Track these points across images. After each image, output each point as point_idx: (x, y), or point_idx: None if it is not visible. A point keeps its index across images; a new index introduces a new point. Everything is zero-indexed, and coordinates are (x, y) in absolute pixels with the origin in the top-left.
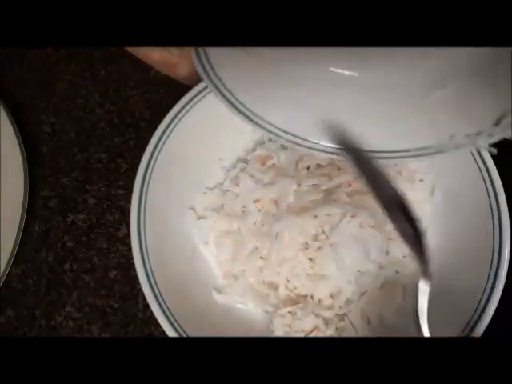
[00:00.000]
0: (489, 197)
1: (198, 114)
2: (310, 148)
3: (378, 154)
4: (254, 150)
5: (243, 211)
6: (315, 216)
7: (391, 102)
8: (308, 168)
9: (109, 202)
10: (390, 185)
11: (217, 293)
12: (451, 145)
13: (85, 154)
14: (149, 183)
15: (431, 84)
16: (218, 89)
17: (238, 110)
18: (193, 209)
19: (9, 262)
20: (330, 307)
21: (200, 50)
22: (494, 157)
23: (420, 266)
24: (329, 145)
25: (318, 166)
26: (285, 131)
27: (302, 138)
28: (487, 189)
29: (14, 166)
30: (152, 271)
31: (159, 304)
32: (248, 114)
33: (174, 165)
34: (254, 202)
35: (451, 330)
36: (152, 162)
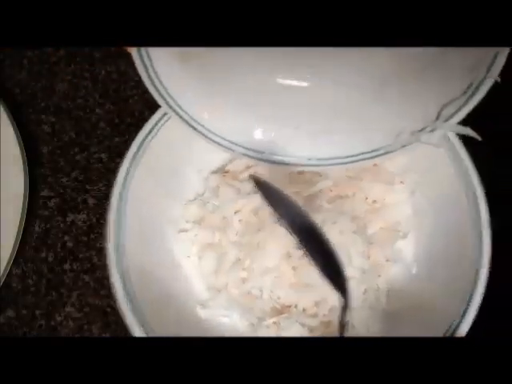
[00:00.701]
0: (467, 198)
1: (175, 125)
2: (261, 160)
3: (329, 161)
4: (233, 159)
5: (224, 222)
6: None
7: (340, 108)
8: (289, 175)
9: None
10: (301, 213)
11: (201, 307)
12: (398, 144)
13: (85, 153)
14: (126, 198)
15: (376, 87)
16: (165, 100)
17: (185, 121)
18: (173, 222)
19: (9, 262)
20: (314, 315)
21: (145, 57)
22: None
23: (339, 300)
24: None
25: (299, 173)
26: (235, 143)
27: (250, 149)
28: (466, 191)
29: (14, 166)
30: (133, 290)
31: (141, 325)
32: (193, 124)
33: (152, 178)
34: (235, 212)
35: (435, 331)
36: (129, 177)
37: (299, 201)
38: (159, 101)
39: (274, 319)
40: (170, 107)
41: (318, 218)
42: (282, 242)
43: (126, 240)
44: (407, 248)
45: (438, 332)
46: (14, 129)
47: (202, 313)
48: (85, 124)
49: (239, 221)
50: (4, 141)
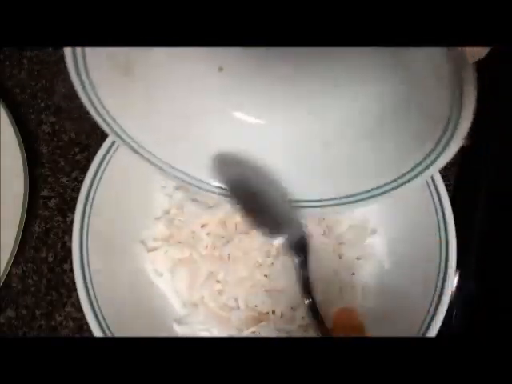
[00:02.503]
0: (433, 200)
1: None
2: (203, 189)
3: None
4: None
5: (193, 237)
6: None
7: (303, 153)
8: None
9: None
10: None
11: (177, 324)
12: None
13: (85, 153)
14: (89, 220)
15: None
16: (105, 121)
17: (126, 143)
18: (142, 241)
19: (9, 262)
20: (292, 320)
21: (84, 77)
22: None
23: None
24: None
25: None
26: (176, 169)
27: (195, 179)
28: (431, 193)
29: (14, 166)
30: (102, 315)
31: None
32: (134, 146)
33: (115, 199)
34: (202, 226)
35: (407, 331)
36: (90, 199)
37: None
38: (103, 127)
39: (253, 329)
40: (117, 135)
41: None
42: (251, 251)
43: (91, 262)
44: (378, 244)
45: (413, 327)
46: (14, 129)
47: (179, 329)
48: (85, 124)
49: (207, 234)
50: (4, 141)
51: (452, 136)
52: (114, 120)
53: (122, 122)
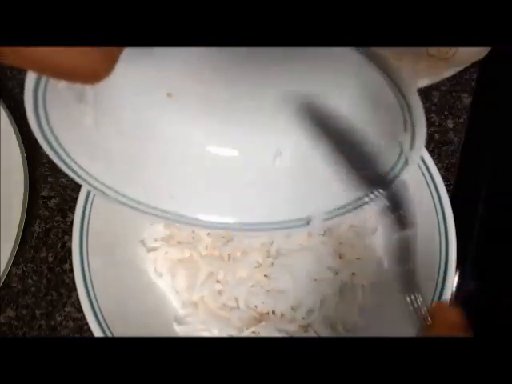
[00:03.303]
0: (433, 200)
1: None
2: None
3: (256, 227)
4: None
5: (193, 237)
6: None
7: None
8: None
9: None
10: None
11: (177, 324)
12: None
13: None
14: (89, 220)
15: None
16: (66, 164)
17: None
18: (142, 242)
19: (9, 262)
20: (292, 320)
21: (42, 120)
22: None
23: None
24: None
25: None
26: (148, 205)
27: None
28: (431, 192)
29: (14, 166)
30: (102, 315)
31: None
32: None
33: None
34: None
35: (407, 331)
36: (90, 199)
37: None
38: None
39: (253, 329)
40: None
41: None
42: (251, 251)
43: (91, 262)
44: (377, 244)
45: (413, 327)
46: (14, 129)
47: (179, 329)
48: None
49: (207, 234)
50: (4, 141)
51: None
52: (73, 159)
53: (80, 160)
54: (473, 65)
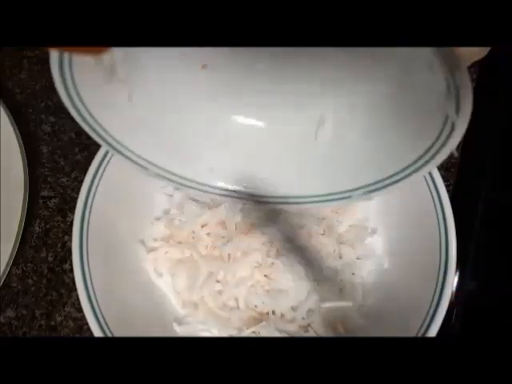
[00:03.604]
0: (433, 200)
1: None
2: (203, 191)
3: (291, 200)
4: None
5: (193, 237)
6: (263, 233)
7: (297, 150)
8: None
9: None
10: None
11: (177, 324)
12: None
13: (85, 153)
14: (89, 220)
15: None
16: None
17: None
18: (142, 242)
19: (9, 261)
20: (292, 320)
21: (68, 80)
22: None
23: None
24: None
25: None
26: (175, 174)
27: (196, 182)
28: (431, 192)
29: (14, 165)
30: (102, 315)
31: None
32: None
33: (115, 199)
34: (202, 226)
35: (407, 331)
36: (90, 199)
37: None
38: (93, 136)
39: (253, 329)
40: (110, 145)
41: (284, 224)
42: (251, 251)
43: (91, 262)
44: (377, 244)
45: (413, 327)
46: (14, 129)
47: (179, 329)
48: None
49: (207, 234)
50: (4, 141)
51: (451, 133)
52: (99, 124)
53: (107, 126)
54: (473, 65)
